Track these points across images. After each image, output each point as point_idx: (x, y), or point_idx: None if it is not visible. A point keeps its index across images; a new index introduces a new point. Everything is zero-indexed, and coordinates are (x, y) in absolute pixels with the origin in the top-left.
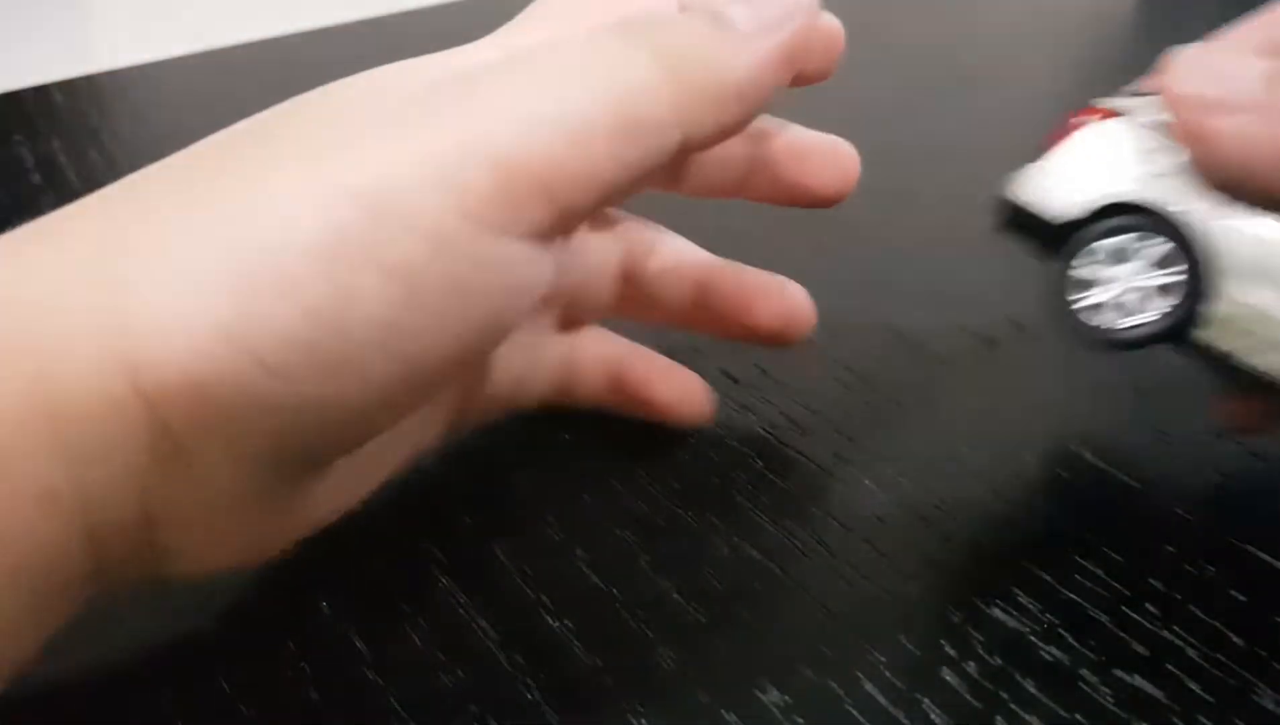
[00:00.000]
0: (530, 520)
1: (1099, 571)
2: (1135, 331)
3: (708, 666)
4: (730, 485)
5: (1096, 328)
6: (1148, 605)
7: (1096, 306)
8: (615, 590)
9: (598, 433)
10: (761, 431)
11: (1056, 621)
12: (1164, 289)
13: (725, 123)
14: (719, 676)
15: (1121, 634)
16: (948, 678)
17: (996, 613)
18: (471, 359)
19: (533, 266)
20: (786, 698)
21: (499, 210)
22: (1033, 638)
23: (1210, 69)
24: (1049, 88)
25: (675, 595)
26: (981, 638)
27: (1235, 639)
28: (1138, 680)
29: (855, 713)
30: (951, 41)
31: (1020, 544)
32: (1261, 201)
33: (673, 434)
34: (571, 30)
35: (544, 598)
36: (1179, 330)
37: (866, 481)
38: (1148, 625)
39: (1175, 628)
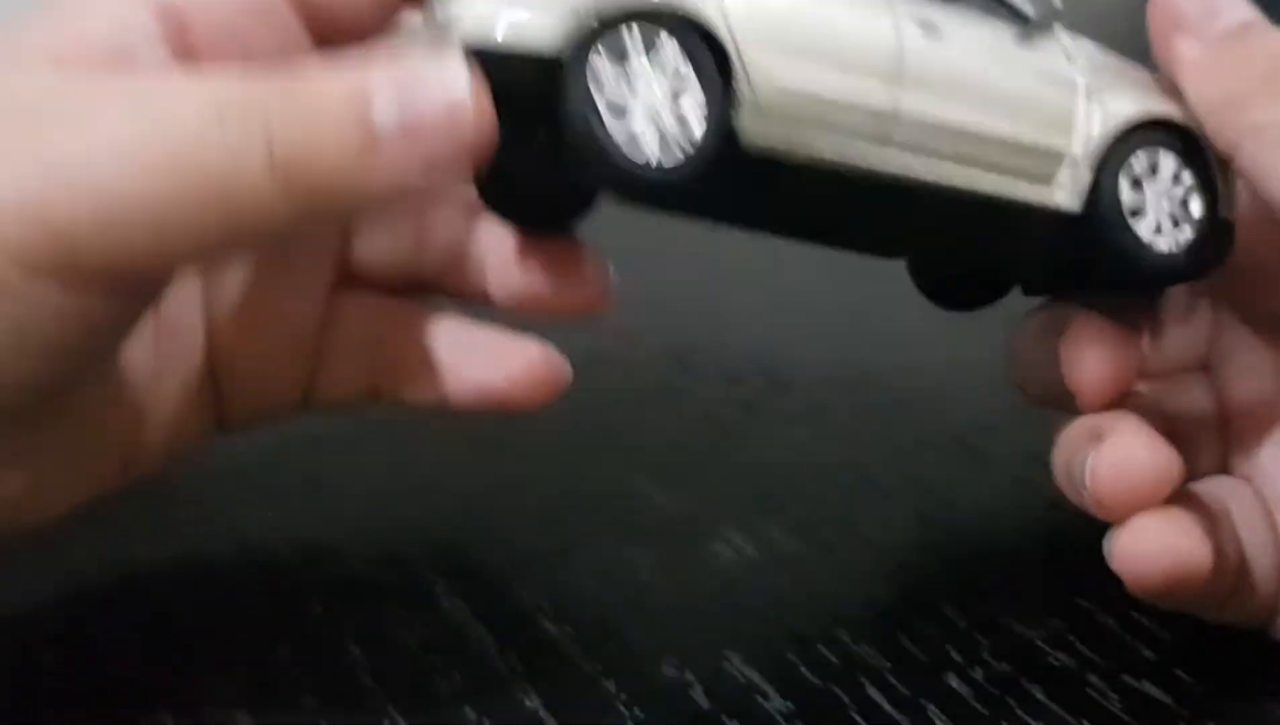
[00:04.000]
0: (528, 525)
1: (1107, 577)
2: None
3: (709, 672)
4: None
5: (634, 166)
6: (1156, 610)
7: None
8: (615, 595)
9: (595, 433)
10: (764, 439)
11: (1064, 627)
12: (688, 98)
13: (340, 212)
14: (721, 682)
15: (1130, 639)
16: (954, 684)
17: (1004, 618)
18: (51, 400)
19: (90, 307)
20: (789, 703)
21: (53, 270)
22: (1040, 643)
23: None
24: None
25: (676, 600)
26: (988, 643)
27: (1242, 642)
28: (1146, 686)
29: (860, 719)
30: None
31: (1027, 549)
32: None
33: (674, 436)
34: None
35: (543, 602)
36: (722, 137)
37: (868, 483)
38: (1156, 630)
39: (1184, 632)
